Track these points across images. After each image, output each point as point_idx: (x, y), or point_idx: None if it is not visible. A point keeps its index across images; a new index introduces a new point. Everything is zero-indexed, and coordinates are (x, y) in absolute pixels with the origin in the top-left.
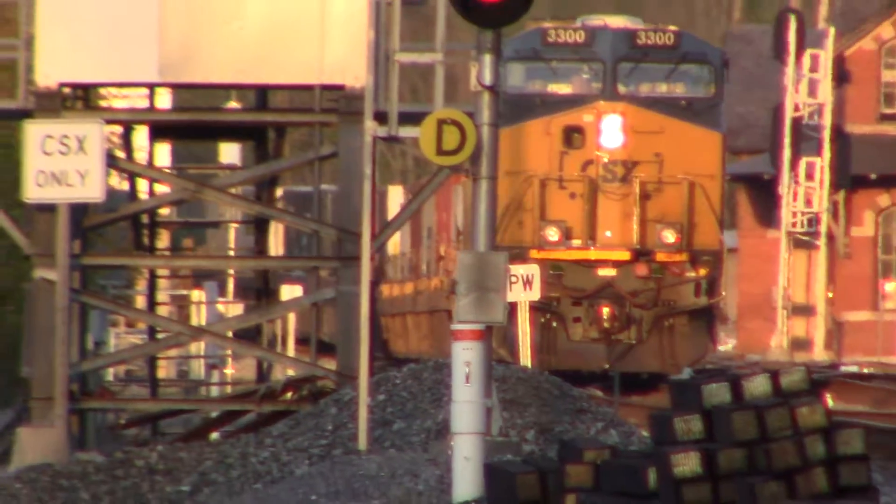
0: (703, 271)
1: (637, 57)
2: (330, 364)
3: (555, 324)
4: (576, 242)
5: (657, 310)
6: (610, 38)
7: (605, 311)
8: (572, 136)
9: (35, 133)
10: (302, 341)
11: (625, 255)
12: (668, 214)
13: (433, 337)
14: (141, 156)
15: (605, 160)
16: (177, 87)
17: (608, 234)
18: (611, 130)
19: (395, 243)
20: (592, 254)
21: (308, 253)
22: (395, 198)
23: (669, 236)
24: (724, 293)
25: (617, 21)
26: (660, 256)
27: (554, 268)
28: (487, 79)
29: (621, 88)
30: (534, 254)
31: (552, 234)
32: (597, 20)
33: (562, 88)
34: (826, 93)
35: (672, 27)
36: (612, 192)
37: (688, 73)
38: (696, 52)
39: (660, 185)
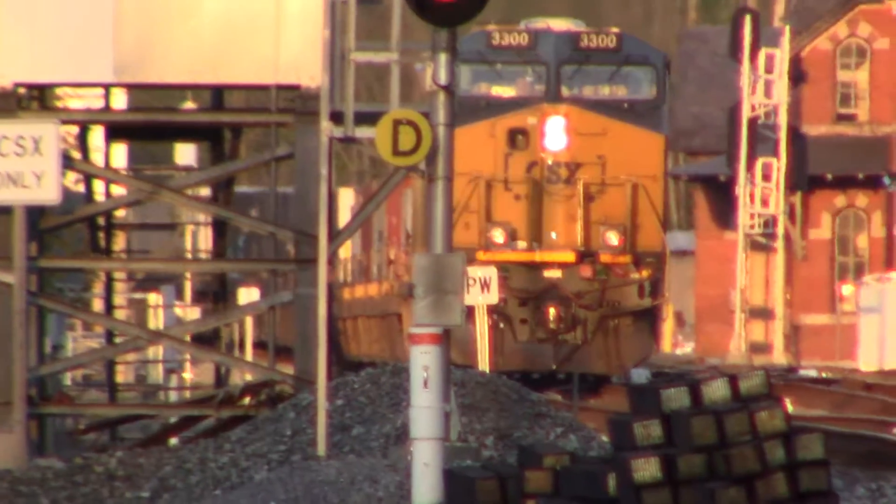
0: (646, 272)
1: (579, 59)
2: (287, 368)
3: (501, 325)
4: (521, 244)
5: (602, 311)
6: (553, 40)
7: (552, 311)
8: (516, 138)
9: None
10: (259, 345)
11: (570, 257)
12: (612, 216)
13: (384, 340)
14: (97, 157)
15: (549, 162)
16: (132, 88)
17: (553, 235)
18: (554, 132)
19: (346, 246)
20: (538, 255)
21: (245, 254)
22: (346, 200)
23: (613, 238)
24: (667, 294)
25: (559, 24)
26: (604, 258)
27: (500, 269)
28: (443, 78)
29: (564, 91)
30: (480, 255)
31: (498, 235)
32: (540, 23)
33: (506, 91)
34: (782, 93)
35: (614, 29)
36: (556, 194)
37: (630, 76)
38: (638, 54)
39: (603, 187)
